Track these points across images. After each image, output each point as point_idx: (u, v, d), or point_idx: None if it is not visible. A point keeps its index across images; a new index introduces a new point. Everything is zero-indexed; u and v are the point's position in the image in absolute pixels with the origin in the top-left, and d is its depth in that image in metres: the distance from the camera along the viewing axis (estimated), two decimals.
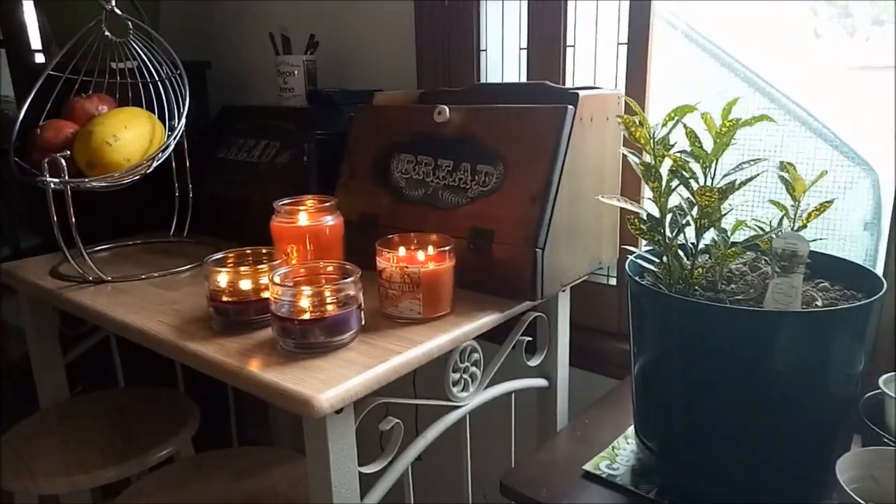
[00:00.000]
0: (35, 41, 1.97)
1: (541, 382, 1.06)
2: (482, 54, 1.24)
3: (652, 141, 0.75)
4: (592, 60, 1.12)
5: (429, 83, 1.30)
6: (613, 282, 1.18)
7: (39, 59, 2.38)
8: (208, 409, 1.22)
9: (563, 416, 1.09)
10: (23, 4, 1.44)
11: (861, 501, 0.53)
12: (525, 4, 1.15)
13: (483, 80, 1.26)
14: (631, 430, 0.89)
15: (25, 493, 1.00)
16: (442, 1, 1.23)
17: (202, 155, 1.30)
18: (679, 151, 0.73)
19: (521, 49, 1.19)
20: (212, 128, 1.40)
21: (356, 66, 1.43)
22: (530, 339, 1.00)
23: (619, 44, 1.07)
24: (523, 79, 1.20)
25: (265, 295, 0.80)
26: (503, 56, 1.23)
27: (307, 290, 0.74)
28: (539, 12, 1.14)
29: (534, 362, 1.04)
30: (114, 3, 1.05)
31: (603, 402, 1.00)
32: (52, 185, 0.93)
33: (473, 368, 0.90)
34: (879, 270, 0.94)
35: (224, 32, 1.69)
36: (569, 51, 1.13)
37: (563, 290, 1.01)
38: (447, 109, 0.98)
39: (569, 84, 1.15)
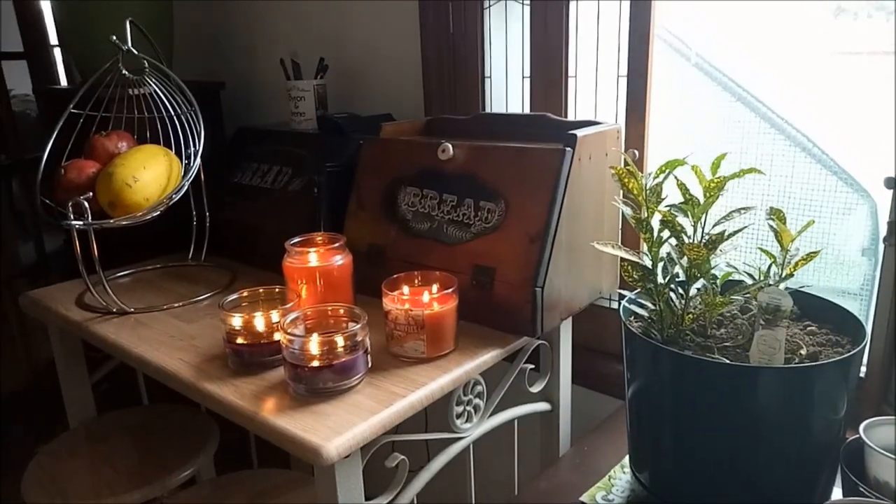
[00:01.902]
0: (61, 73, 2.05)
1: (543, 406, 1.10)
2: (486, 81, 1.26)
3: (644, 191, 0.78)
4: (594, 90, 1.14)
5: (436, 106, 1.33)
6: (615, 305, 1.21)
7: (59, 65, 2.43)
8: (229, 425, 1.28)
9: (566, 439, 1.13)
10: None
11: None
12: (528, 35, 1.18)
13: (488, 105, 1.29)
14: (627, 459, 0.93)
15: None
16: (447, 30, 1.26)
17: (218, 178, 1.35)
18: (668, 206, 0.76)
19: (524, 77, 1.22)
20: (227, 150, 1.44)
21: (365, 88, 1.46)
22: (533, 366, 1.04)
23: (619, 76, 1.09)
24: (527, 106, 1.23)
25: (278, 336, 0.85)
26: (507, 83, 1.26)
27: (316, 338, 0.79)
28: (541, 43, 1.16)
29: (536, 388, 1.08)
30: (130, 43, 1.10)
31: (603, 426, 1.04)
32: (77, 227, 0.98)
33: (476, 400, 0.94)
34: (875, 296, 0.96)
35: (237, 53, 1.73)
36: (570, 81, 1.15)
37: (565, 320, 1.05)
38: (451, 147, 1.02)
39: (570, 114, 1.17)
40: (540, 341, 1.04)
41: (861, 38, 1.03)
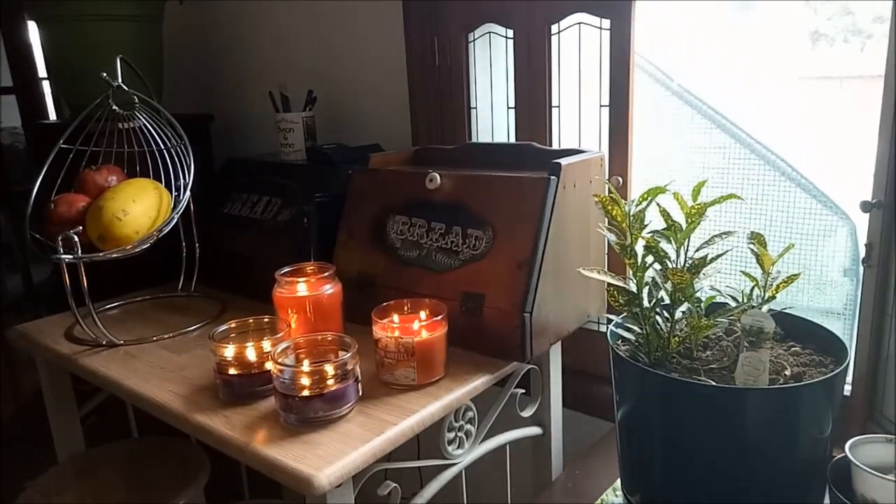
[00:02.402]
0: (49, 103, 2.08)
1: (535, 431, 1.11)
2: (472, 111, 1.29)
3: (628, 218, 0.80)
4: (577, 120, 1.17)
5: (423, 135, 1.35)
6: (604, 328, 1.22)
7: (48, 96, 2.45)
8: (220, 456, 1.27)
9: (559, 462, 1.13)
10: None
11: None
12: (512, 67, 1.21)
13: (474, 135, 1.31)
14: (619, 482, 0.93)
15: None
16: (433, 62, 1.29)
17: (207, 208, 1.36)
18: (651, 232, 0.78)
19: (509, 108, 1.24)
20: (216, 180, 1.46)
21: (353, 119, 1.48)
22: (524, 391, 1.05)
23: (601, 105, 1.12)
24: (512, 135, 1.25)
25: (269, 366, 0.85)
26: (492, 113, 1.28)
27: (307, 367, 0.79)
28: (525, 74, 1.19)
29: (527, 412, 1.08)
30: (120, 80, 1.11)
31: (594, 450, 1.05)
32: (67, 261, 0.98)
33: (468, 426, 0.94)
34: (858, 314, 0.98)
35: (226, 86, 1.75)
36: (554, 111, 1.18)
37: (554, 345, 1.05)
38: (438, 177, 1.03)
39: (555, 142, 1.20)
40: (530, 366, 1.05)
41: (837, 62, 1.07)
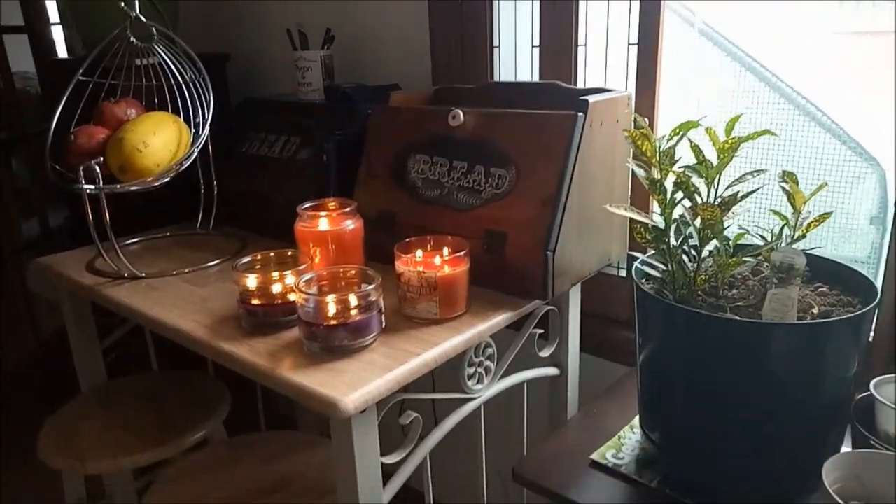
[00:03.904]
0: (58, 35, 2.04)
1: (552, 371, 1.11)
2: (495, 51, 1.26)
3: (658, 154, 0.78)
4: (604, 59, 1.14)
5: (444, 77, 1.33)
6: (624, 273, 1.22)
7: (59, 43, 2.42)
8: (237, 390, 1.29)
9: (574, 404, 1.14)
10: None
11: (839, 501, 0.58)
12: (538, 3, 1.17)
13: (497, 76, 1.29)
14: (637, 420, 0.94)
15: (73, 473, 1.07)
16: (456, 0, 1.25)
17: (225, 149, 1.35)
18: (682, 167, 0.77)
19: (533, 46, 1.21)
20: (233, 120, 1.44)
21: (372, 59, 1.45)
22: (542, 331, 1.05)
23: (629, 44, 1.09)
24: (536, 76, 1.23)
25: (292, 297, 0.86)
26: (516, 53, 1.25)
27: (332, 297, 0.79)
28: (551, 12, 1.16)
29: (545, 353, 1.09)
30: (138, 10, 1.09)
31: (611, 391, 1.05)
32: (88, 191, 0.98)
33: (487, 362, 0.95)
34: (883, 263, 0.97)
35: (243, 25, 1.72)
36: (580, 50, 1.15)
37: (574, 286, 1.05)
38: (461, 114, 1.02)
39: (580, 83, 1.17)
40: (549, 307, 1.05)
41: (868, 18, 1.03)
